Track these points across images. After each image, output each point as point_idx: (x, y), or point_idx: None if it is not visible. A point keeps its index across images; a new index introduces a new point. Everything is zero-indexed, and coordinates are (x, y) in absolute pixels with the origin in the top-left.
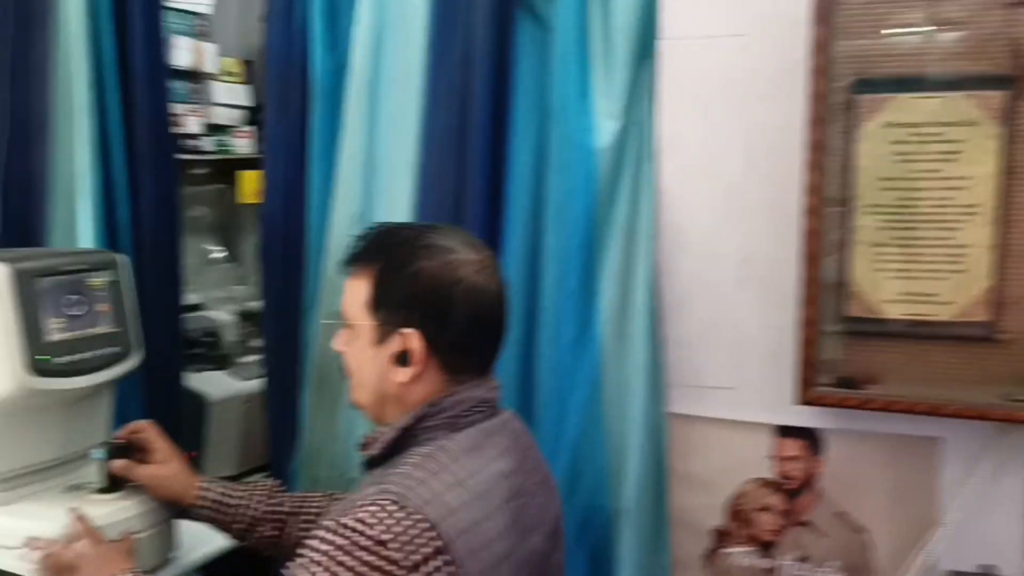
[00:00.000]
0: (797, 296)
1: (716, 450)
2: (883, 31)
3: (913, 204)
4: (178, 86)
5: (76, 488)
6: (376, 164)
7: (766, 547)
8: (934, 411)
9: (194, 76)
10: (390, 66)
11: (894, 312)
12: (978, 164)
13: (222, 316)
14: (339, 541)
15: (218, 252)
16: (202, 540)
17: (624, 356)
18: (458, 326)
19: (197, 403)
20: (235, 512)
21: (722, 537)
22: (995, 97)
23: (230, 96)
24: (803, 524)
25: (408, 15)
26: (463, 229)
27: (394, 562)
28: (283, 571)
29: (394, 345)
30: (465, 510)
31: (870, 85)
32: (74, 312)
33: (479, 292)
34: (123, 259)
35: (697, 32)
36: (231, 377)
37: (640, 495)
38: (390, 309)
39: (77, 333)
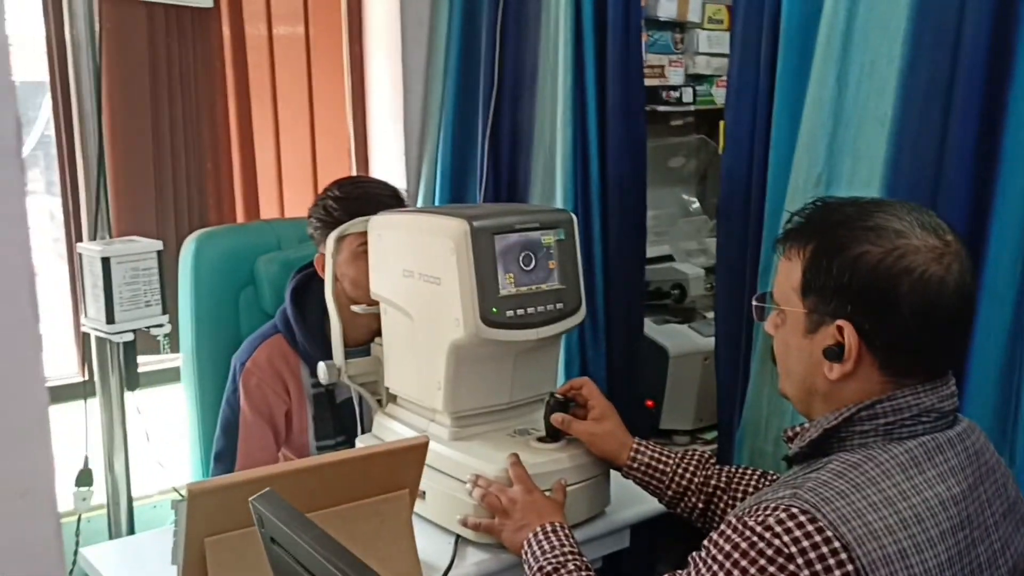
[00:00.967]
0: None
1: None
2: None
3: None
4: (661, 37)
5: (521, 433)
6: (844, 119)
7: None
8: None
9: (679, 27)
10: (869, 8)
11: None
12: None
13: (691, 268)
14: (742, 545)
15: (694, 203)
16: (636, 498)
17: None
18: (903, 322)
19: (659, 354)
20: (666, 479)
21: None
22: None
23: (714, 45)
24: None
25: None
26: (924, 208)
27: None
28: (690, 557)
29: (826, 337)
30: (890, 536)
31: None
32: (525, 268)
33: (934, 284)
34: (572, 218)
35: None
36: (694, 331)
37: None
38: (822, 296)
39: (525, 289)
